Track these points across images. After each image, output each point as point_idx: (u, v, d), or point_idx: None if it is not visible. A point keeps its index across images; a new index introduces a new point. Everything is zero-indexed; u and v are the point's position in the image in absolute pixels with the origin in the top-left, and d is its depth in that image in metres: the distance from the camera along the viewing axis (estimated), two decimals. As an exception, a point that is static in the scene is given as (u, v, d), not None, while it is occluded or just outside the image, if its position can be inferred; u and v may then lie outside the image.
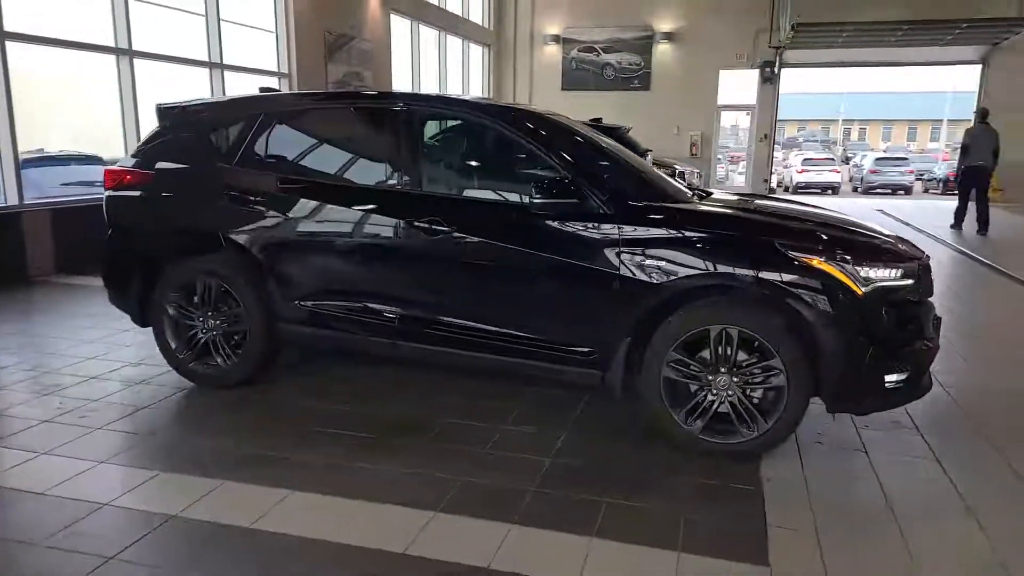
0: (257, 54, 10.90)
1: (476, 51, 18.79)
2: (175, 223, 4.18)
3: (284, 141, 4.16)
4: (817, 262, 3.13)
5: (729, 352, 3.25)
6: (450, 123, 4.13)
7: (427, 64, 16.16)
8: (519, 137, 3.65)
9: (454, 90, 17.54)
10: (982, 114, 12.01)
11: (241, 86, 10.19)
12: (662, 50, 18.24)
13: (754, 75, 17.49)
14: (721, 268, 3.22)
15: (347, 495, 2.96)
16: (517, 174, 3.80)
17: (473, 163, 4.12)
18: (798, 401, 3.20)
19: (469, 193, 3.91)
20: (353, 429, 3.63)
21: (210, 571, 2.46)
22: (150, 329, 4.32)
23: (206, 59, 9.83)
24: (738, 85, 17.78)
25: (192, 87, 9.60)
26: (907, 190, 25.19)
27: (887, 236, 3.54)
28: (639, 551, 2.60)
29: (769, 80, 17.33)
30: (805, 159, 26.68)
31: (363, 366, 4.53)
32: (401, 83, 14.76)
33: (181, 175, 4.20)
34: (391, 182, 3.79)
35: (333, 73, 12.20)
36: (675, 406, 3.36)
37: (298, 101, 4.47)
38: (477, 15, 18.48)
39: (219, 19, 9.89)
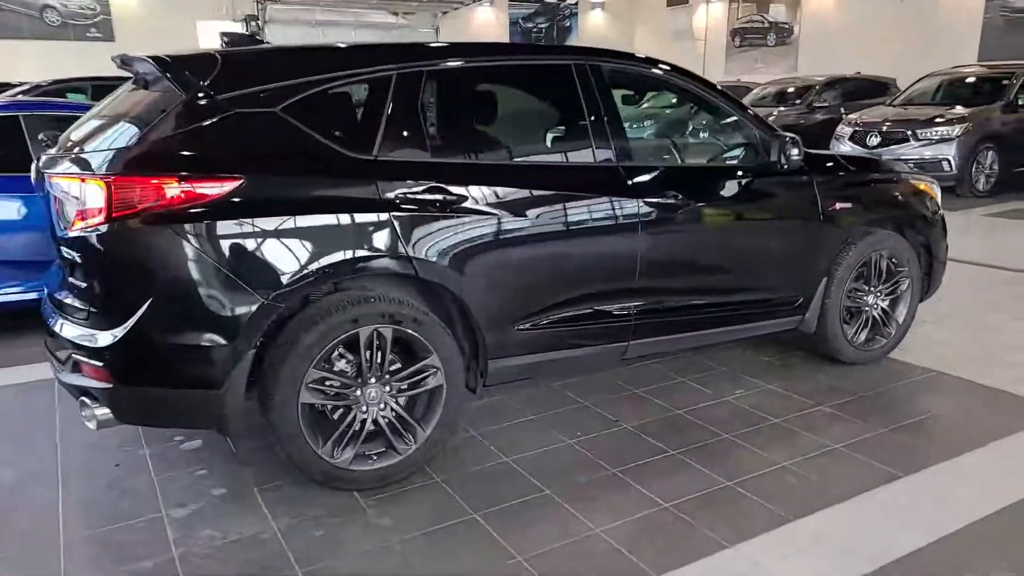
0: None
1: None
2: (310, 257, 2.58)
3: (443, 114, 2.97)
4: (924, 186, 4.08)
5: (877, 275, 3.98)
6: (644, 86, 3.58)
7: None
8: (717, 99, 3.50)
9: None
10: None
11: None
12: (122, -6, 15.61)
13: (239, 28, 16.52)
14: (886, 202, 3.90)
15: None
16: (719, 138, 3.64)
17: (680, 130, 3.69)
18: (916, 304, 4.14)
19: (688, 161, 3.55)
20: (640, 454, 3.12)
21: None
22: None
23: None
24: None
25: None
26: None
27: None
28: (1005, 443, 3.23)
29: (256, 35, 16.65)
30: None
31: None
32: None
33: (295, 178, 2.62)
34: (606, 156, 3.15)
35: None
36: (847, 328, 3.94)
37: (449, 55, 3.07)
38: None
39: None
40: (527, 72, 3.21)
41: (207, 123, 2.53)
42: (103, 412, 2.52)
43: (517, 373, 3.14)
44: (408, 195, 2.74)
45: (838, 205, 3.70)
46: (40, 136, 2.92)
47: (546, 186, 3.02)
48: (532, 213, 2.97)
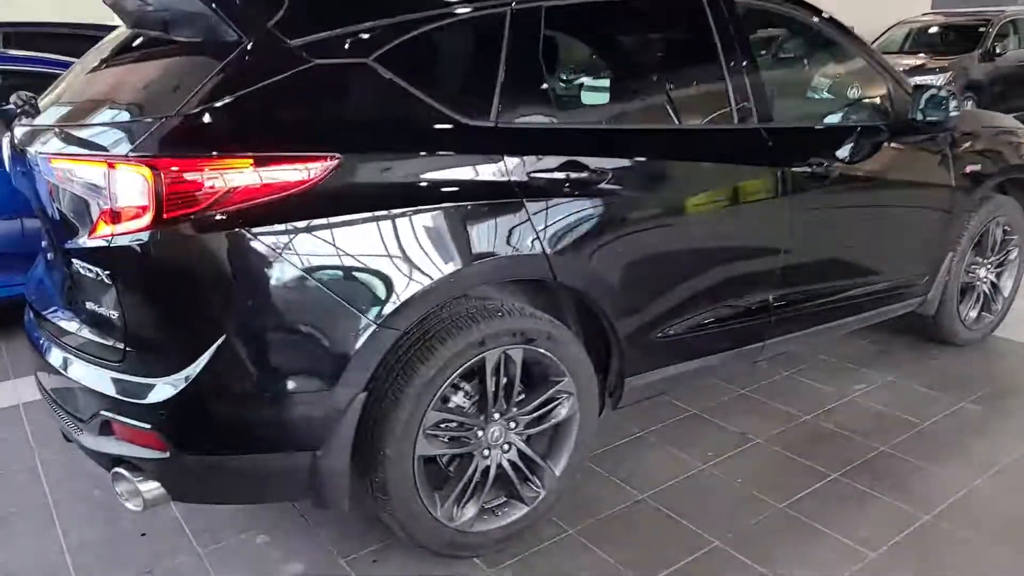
0: None
1: None
2: (432, 261, 1.88)
3: (568, 64, 2.30)
4: None
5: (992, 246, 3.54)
6: (774, 27, 2.94)
7: None
8: (854, 45, 2.94)
9: None
10: None
11: None
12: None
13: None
14: (1008, 162, 3.42)
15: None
16: (855, 92, 3.08)
17: (812, 82, 3.09)
18: (1022, 274, 3.73)
19: (826, 120, 2.98)
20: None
21: None
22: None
23: None
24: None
25: None
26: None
27: None
28: None
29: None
30: None
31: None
32: None
33: (403, 154, 1.90)
34: (747, 116, 2.54)
35: None
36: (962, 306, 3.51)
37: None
38: None
39: None
40: (664, 9, 2.54)
41: (281, 79, 1.77)
42: (151, 488, 1.79)
43: (651, 390, 2.54)
44: (540, 174, 2.06)
45: (969, 168, 3.22)
46: (12, 99, 2.09)
47: (692, 156, 2.40)
48: (679, 190, 2.36)
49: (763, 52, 2.86)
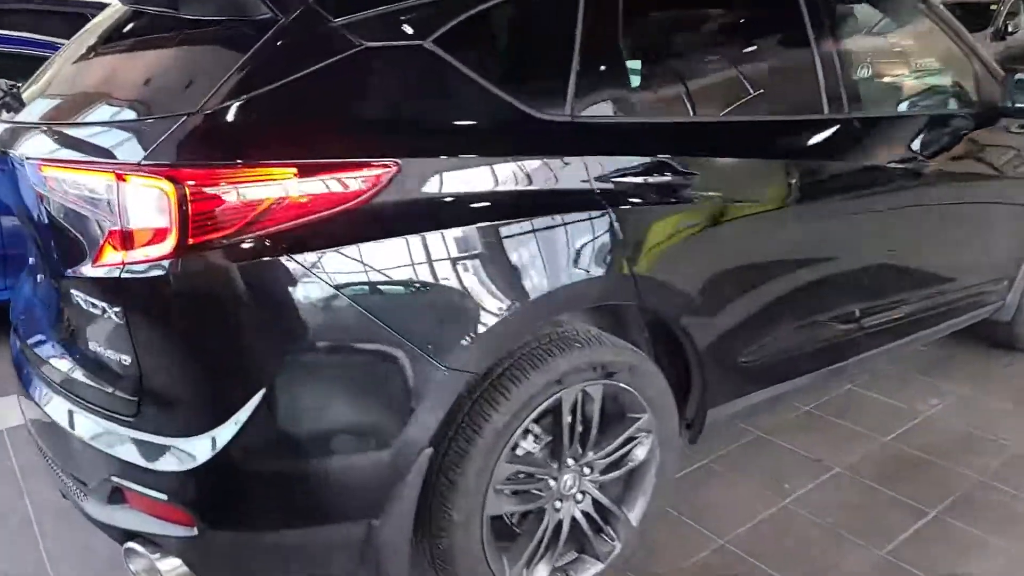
0: None
1: None
2: (509, 288, 1.56)
3: (652, 45, 1.97)
4: None
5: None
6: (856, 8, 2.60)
7: None
8: (942, 23, 2.63)
9: None
10: None
11: None
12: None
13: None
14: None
15: None
16: (942, 76, 2.77)
17: (898, 64, 2.76)
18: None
19: (917, 107, 2.67)
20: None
21: None
22: None
23: None
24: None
25: None
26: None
27: None
28: None
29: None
30: None
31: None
32: None
33: (470, 158, 1.57)
34: (839, 104, 2.23)
35: None
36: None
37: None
38: None
39: None
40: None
41: (325, 67, 1.43)
42: (173, 567, 1.47)
43: (733, 420, 2.25)
44: (626, 177, 1.74)
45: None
46: (-8, 89, 1.74)
47: (790, 153, 2.10)
48: (771, 192, 2.05)
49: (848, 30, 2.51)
